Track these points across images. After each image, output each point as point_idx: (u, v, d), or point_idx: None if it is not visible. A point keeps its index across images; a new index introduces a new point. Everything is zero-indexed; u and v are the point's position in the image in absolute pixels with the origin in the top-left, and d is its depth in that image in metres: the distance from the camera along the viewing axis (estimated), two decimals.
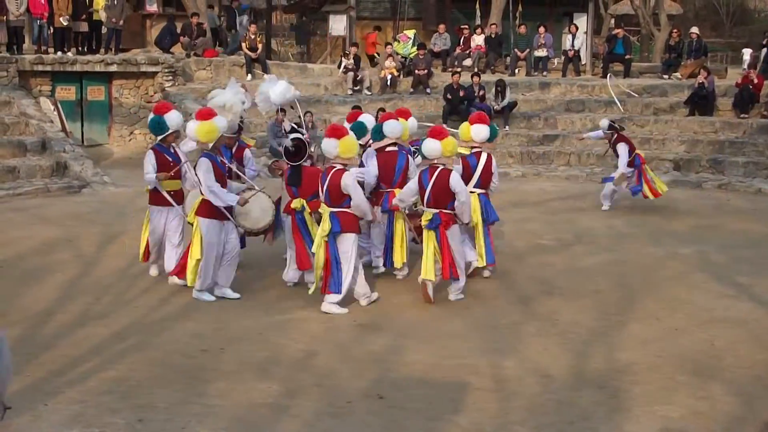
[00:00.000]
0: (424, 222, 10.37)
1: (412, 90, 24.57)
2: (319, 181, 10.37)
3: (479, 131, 11.37)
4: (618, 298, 10.74)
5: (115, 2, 24.02)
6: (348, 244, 10.09)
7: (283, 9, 39.81)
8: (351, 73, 24.35)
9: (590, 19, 28.89)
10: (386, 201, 11.24)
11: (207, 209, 10.30)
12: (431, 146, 10.28)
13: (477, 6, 29.67)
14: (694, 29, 26.79)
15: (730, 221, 15.47)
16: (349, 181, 10.01)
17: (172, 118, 11.00)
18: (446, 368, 8.25)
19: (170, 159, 10.96)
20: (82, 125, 23.47)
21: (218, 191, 10.18)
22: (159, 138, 11.03)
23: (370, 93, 24.30)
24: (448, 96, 22.73)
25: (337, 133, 10.15)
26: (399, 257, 11.33)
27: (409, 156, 11.50)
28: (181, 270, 10.69)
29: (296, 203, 10.59)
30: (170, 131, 10.96)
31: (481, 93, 22.92)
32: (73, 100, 23.25)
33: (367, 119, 12.17)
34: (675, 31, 27.40)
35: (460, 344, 8.96)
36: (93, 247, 12.98)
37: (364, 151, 11.72)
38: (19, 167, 18.54)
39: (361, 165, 11.43)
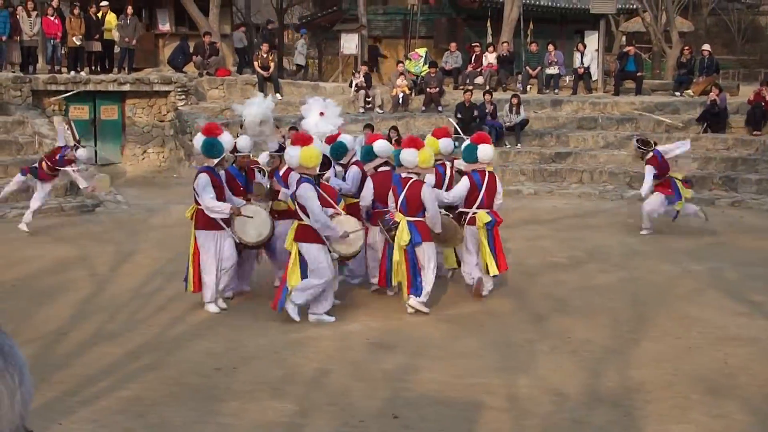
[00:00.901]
0: (481, 224, 11.04)
1: (423, 108, 24.62)
2: (335, 197, 10.55)
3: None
4: (631, 316, 10.71)
5: (128, 22, 24.20)
6: (430, 251, 10.61)
7: (295, 28, 40.01)
8: (362, 92, 24.43)
9: (601, 36, 28.92)
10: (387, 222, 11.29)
11: (309, 234, 10.14)
12: (488, 151, 11.12)
13: (488, 24, 29.80)
14: (706, 46, 26.79)
15: (743, 239, 15.43)
16: (427, 193, 10.51)
17: (227, 140, 10.76)
18: (460, 387, 8.24)
19: (220, 181, 10.69)
20: (96, 144, 23.58)
21: (328, 221, 10.09)
22: (216, 162, 10.66)
23: (381, 111, 24.37)
24: (460, 114, 22.76)
25: (416, 144, 10.66)
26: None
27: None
28: (277, 300, 10.42)
29: None
30: (225, 153, 10.74)
31: (493, 110, 22.96)
32: (86, 120, 23.37)
33: (347, 139, 12.19)
34: (686, 48, 27.41)
35: (474, 363, 8.95)
36: (106, 266, 13.02)
37: (346, 171, 12.00)
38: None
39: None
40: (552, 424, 7.42)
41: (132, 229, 15.87)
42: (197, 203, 10.68)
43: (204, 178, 10.54)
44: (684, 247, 14.69)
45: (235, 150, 11.35)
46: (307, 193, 9.99)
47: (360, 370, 8.71)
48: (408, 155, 10.54)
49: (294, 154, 10.10)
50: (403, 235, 10.48)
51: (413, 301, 10.59)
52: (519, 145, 22.96)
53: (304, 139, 10.28)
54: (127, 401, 7.80)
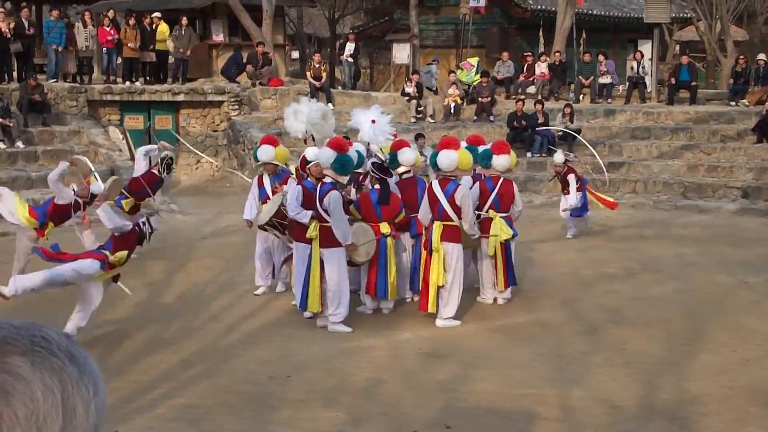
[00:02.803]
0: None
1: (475, 117, 24.54)
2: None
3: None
4: (686, 327, 10.59)
5: (183, 32, 24.44)
6: (513, 244, 11.53)
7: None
8: (414, 101, 24.42)
9: (655, 45, 28.69)
10: (414, 226, 11.27)
11: (455, 233, 10.41)
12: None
13: (540, 33, 29.65)
14: (762, 56, 26.43)
15: None
16: (517, 191, 11.61)
17: (355, 155, 10.51)
18: (513, 398, 8.20)
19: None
20: None
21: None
22: (346, 179, 10.48)
23: (433, 120, 24.34)
24: (513, 123, 22.69)
25: (506, 149, 11.59)
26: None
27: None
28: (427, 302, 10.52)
29: (385, 228, 10.63)
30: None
31: (544, 120, 22.82)
32: (141, 129, 23.62)
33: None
34: (742, 57, 27.04)
35: (527, 373, 8.90)
36: (161, 274, 13.13)
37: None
38: None
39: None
40: None
41: (186, 238, 15.98)
42: (321, 220, 10.17)
43: (338, 197, 10.10)
44: (739, 258, 14.48)
45: (305, 161, 11.10)
46: (467, 197, 10.46)
47: (412, 380, 8.70)
48: (503, 160, 11.41)
49: (452, 157, 10.23)
50: (505, 229, 11.16)
51: (507, 293, 11.49)
52: (572, 154, 22.78)
53: (455, 143, 10.60)
54: (182, 409, 7.86)
